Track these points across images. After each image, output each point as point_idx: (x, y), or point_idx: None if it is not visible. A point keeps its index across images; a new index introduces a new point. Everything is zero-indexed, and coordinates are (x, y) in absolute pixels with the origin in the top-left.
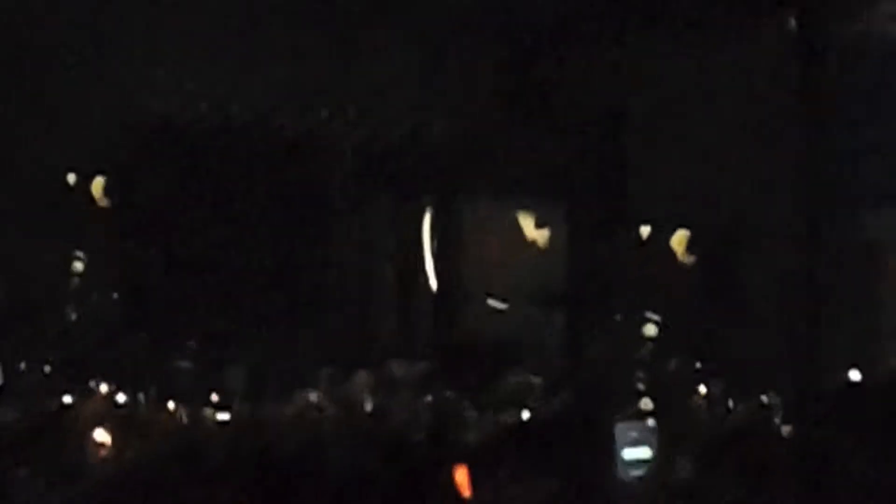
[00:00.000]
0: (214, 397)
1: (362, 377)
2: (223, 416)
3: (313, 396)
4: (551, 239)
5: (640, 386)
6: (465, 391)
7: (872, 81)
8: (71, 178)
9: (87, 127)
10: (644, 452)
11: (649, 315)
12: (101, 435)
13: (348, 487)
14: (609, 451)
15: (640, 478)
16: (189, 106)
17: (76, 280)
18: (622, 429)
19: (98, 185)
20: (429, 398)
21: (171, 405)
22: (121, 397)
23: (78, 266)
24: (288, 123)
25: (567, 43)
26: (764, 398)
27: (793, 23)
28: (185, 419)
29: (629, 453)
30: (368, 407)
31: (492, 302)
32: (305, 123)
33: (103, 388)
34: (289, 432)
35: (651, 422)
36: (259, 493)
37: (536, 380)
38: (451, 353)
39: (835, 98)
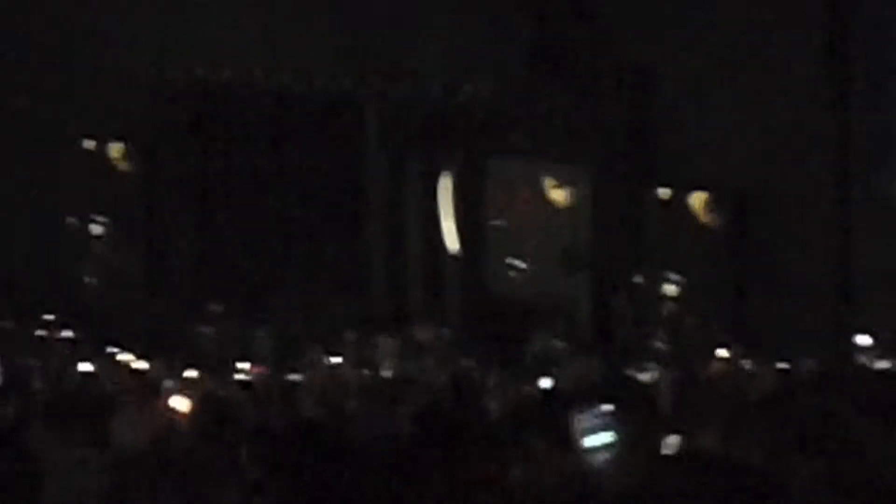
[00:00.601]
0: (239, 363)
1: (387, 342)
2: (247, 380)
3: (338, 361)
4: (574, 200)
5: (661, 346)
6: (490, 357)
7: None
8: (90, 143)
9: (107, 91)
10: (605, 438)
11: (670, 276)
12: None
13: (372, 453)
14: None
15: (605, 462)
16: (211, 68)
17: (97, 244)
18: (579, 419)
19: (118, 149)
20: (453, 364)
21: (194, 372)
22: (143, 364)
23: (98, 230)
24: (316, 86)
25: (595, 3)
26: (786, 364)
27: None
28: (209, 385)
29: (590, 441)
30: (392, 372)
31: (513, 262)
32: (333, 86)
33: (125, 355)
34: (312, 397)
35: (608, 406)
36: (284, 459)
37: (561, 344)
38: (475, 318)
39: (864, 62)
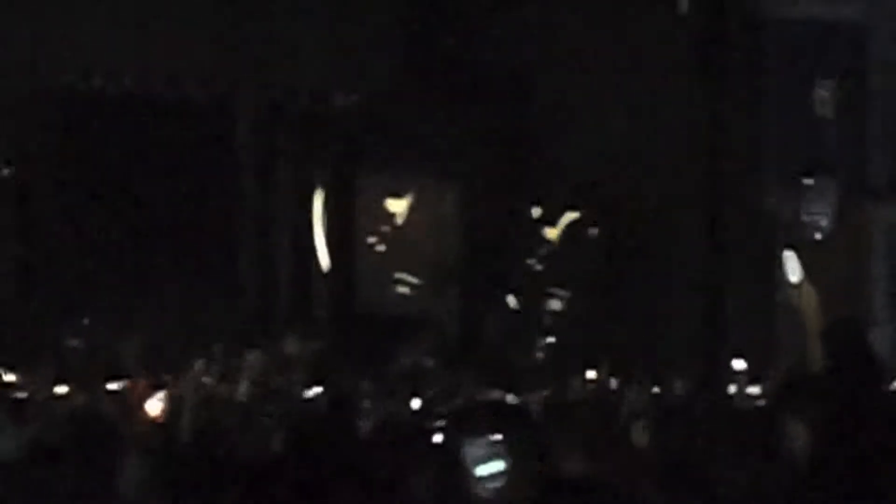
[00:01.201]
0: (106, 376)
1: (256, 356)
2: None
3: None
4: (445, 215)
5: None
6: (360, 371)
7: (772, 59)
8: None
9: None
10: (497, 466)
11: (550, 291)
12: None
13: (243, 468)
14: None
15: (496, 490)
16: (85, 75)
17: None
18: (470, 448)
19: None
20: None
21: (63, 385)
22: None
23: None
24: (189, 92)
25: (471, 11)
26: (656, 387)
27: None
28: (78, 399)
29: (482, 469)
30: (262, 386)
31: (398, 277)
32: (207, 92)
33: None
34: (181, 411)
35: (497, 436)
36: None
37: (430, 361)
38: (345, 331)
39: (734, 74)
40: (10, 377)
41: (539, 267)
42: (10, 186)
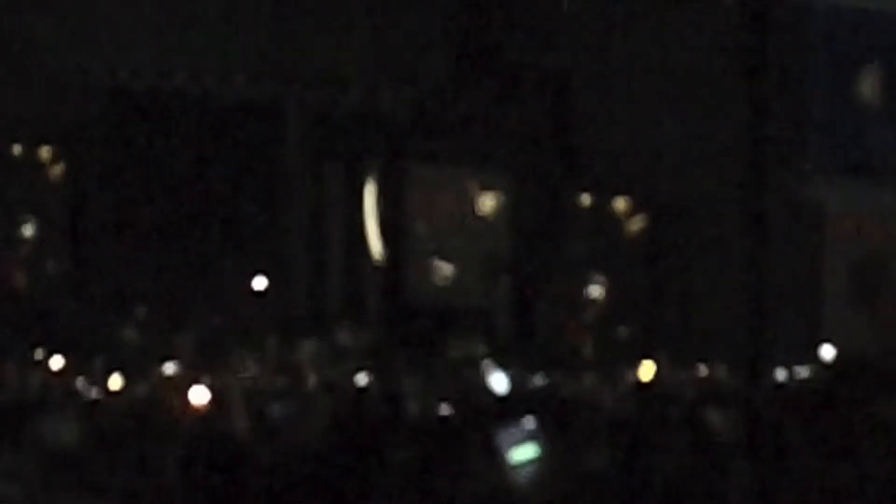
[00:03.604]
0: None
1: (309, 346)
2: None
3: (258, 365)
4: (497, 205)
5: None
6: (412, 361)
7: (819, 53)
8: (17, 147)
9: (34, 95)
10: (530, 452)
11: (595, 278)
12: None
13: (294, 459)
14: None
15: (529, 478)
16: (137, 73)
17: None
18: (504, 435)
19: (45, 152)
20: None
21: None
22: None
23: (27, 231)
24: (238, 90)
25: (518, 7)
26: (704, 369)
27: None
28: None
29: (516, 455)
30: (315, 376)
31: (439, 264)
32: (256, 90)
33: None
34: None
35: (532, 422)
36: (205, 465)
37: (482, 349)
38: (398, 322)
39: (780, 69)
40: (64, 367)
41: (586, 254)
42: (68, 181)
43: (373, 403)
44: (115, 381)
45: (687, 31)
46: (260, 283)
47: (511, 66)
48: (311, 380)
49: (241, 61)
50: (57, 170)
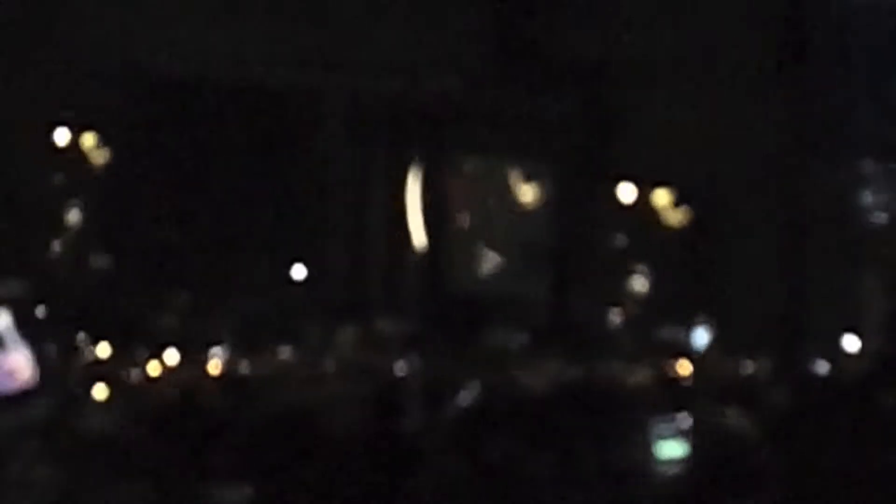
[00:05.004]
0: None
1: (348, 333)
2: (214, 371)
3: (297, 352)
4: (538, 195)
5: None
6: (452, 348)
7: (857, 39)
8: (62, 132)
9: (78, 82)
10: (678, 450)
11: (636, 270)
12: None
13: (333, 446)
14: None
15: (673, 474)
16: (180, 60)
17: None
18: (657, 426)
19: (89, 139)
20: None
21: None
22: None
23: (72, 219)
24: (281, 78)
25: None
26: (750, 361)
27: None
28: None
29: (665, 450)
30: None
31: (485, 253)
32: (299, 78)
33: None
34: (275, 388)
35: (686, 420)
36: (245, 449)
37: (523, 338)
38: (438, 310)
39: (819, 54)
40: (107, 352)
41: (626, 245)
42: (111, 169)
43: (412, 391)
44: (155, 367)
45: (729, 20)
46: (299, 271)
47: (553, 57)
48: (351, 367)
49: (285, 50)
50: (100, 156)
